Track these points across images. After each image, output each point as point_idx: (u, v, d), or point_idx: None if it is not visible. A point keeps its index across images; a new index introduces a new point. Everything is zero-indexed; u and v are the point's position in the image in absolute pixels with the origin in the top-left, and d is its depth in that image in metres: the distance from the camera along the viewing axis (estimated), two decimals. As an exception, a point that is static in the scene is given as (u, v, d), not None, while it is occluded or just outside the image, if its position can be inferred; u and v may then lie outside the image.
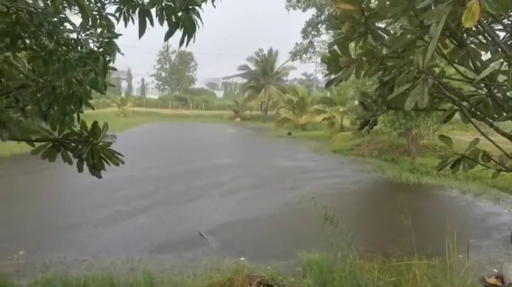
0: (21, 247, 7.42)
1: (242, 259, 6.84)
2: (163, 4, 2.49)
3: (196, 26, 2.54)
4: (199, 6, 2.50)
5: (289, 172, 17.16)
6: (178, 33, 2.83)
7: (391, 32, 3.35)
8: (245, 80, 57.47)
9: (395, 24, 3.24)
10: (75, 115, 3.42)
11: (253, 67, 53.63)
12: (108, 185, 11.79)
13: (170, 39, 2.80)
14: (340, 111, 29.52)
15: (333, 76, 3.26)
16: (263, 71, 51.63)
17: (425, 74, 2.60)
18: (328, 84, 3.31)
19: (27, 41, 3.17)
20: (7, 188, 12.51)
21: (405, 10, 2.80)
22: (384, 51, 3.23)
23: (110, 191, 11.90)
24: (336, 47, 3.18)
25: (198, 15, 2.54)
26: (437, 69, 3.01)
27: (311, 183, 14.67)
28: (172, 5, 2.46)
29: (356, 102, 20.02)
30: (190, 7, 2.44)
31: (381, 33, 3.21)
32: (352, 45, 3.28)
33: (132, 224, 9.30)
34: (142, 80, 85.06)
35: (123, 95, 61.11)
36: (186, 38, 2.60)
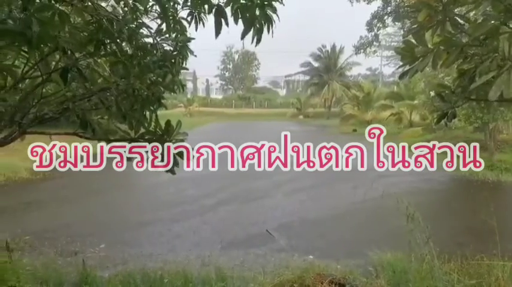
0: (102, 240, 7.95)
1: (311, 257, 6.79)
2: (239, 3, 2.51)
3: (273, 22, 2.55)
4: (277, 0, 2.50)
5: (355, 170, 16.71)
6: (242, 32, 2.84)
7: (471, 18, 3.15)
8: (308, 77, 56.98)
9: (477, 10, 3.04)
10: (154, 115, 3.60)
11: (316, 64, 53.02)
12: (174, 184, 12.25)
13: (234, 39, 2.84)
14: (410, 106, 28.27)
15: (407, 67, 3.13)
16: (326, 68, 50.88)
17: (512, 61, 2.42)
18: (403, 76, 3.19)
19: (109, 47, 3.39)
20: (85, 186, 13.47)
21: (489, -6, 2.62)
22: (463, 39, 3.05)
23: (177, 190, 12.34)
24: (410, 36, 3.05)
25: (275, 11, 2.54)
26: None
27: (378, 181, 14.15)
28: (248, 3, 2.47)
29: (432, 93, 19.03)
30: (266, 3, 2.45)
31: (460, 20, 3.04)
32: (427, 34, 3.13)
33: (200, 221, 9.59)
34: (207, 80, 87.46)
35: (189, 95, 63.21)
36: (257, 36, 2.61)
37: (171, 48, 3.26)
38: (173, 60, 3.18)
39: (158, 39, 3.18)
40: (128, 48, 3.10)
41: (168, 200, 11.49)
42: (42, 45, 2.99)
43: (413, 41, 3.05)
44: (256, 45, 2.60)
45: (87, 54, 3.59)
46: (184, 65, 3.39)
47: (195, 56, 3.37)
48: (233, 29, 2.86)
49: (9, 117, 3.85)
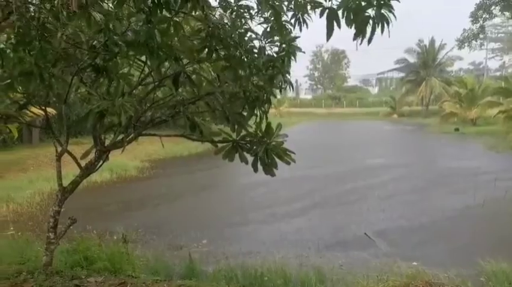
0: (204, 236, 8.35)
1: (414, 263, 6.43)
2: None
3: (390, 21, 2.45)
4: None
5: (458, 173, 15.50)
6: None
7: None
8: (402, 74, 54.43)
9: None
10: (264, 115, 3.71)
11: (412, 59, 50.38)
12: (265, 185, 12.42)
13: (323, 39, 2.75)
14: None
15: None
16: (424, 63, 47.99)
17: None
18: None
19: (219, 53, 3.56)
20: (185, 185, 14.32)
21: None
22: None
23: (269, 192, 12.45)
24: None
25: (391, 10, 2.44)
26: None
27: (485, 186, 12.89)
28: (363, 4, 2.41)
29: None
30: (382, 2, 2.37)
31: None
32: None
33: (294, 223, 9.59)
34: (296, 81, 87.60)
35: (278, 96, 63.92)
36: (370, 36, 2.53)
37: (277, 50, 3.37)
38: (282, 60, 3.27)
39: (265, 42, 3.29)
40: (236, 52, 3.23)
41: (263, 201, 11.71)
42: (160, 54, 3.25)
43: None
44: (368, 45, 2.51)
45: (197, 60, 3.82)
46: (294, 62, 3.46)
47: (303, 52, 3.43)
48: (322, 28, 2.77)
49: (127, 121, 4.22)
